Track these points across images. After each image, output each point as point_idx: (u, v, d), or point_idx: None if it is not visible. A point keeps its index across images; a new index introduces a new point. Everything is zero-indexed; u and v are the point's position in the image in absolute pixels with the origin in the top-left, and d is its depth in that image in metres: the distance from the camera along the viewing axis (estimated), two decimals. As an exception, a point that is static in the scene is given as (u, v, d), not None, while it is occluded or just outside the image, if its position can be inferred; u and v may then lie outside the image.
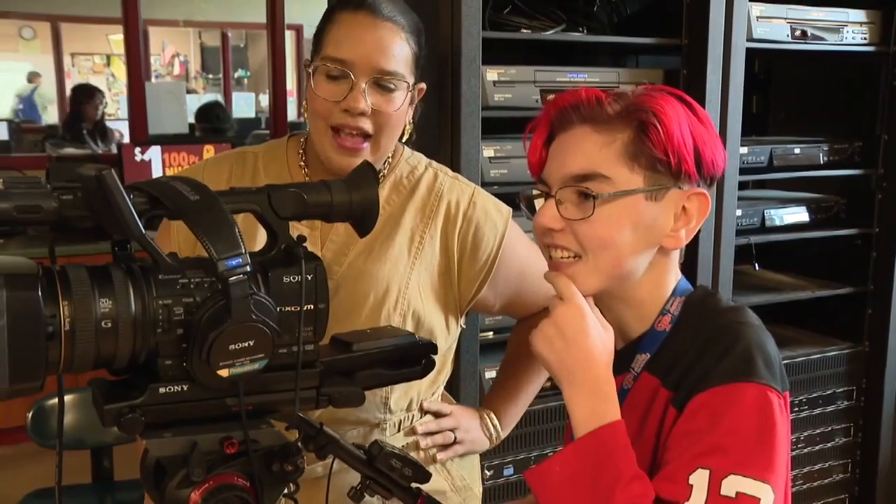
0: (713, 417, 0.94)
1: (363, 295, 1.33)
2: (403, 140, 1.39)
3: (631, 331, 1.09)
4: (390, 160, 1.41)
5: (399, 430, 1.41)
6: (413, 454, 1.38)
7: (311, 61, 1.32)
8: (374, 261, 1.35)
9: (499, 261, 1.41)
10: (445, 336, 1.42)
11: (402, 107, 1.31)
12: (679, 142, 1.00)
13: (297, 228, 1.29)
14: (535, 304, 1.49)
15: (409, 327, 1.35)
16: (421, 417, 1.44)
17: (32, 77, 8.93)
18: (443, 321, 1.40)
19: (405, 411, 1.41)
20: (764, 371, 0.96)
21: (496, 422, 1.52)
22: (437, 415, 1.45)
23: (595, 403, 0.97)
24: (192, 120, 5.74)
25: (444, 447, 1.44)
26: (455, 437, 1.45)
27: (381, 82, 1.28)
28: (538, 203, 1.11)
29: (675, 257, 1.09)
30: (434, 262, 1.39)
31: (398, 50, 1.29)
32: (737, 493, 0.90)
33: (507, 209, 1.47)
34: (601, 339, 1.00)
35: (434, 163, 1.47)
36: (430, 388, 1.44)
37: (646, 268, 1.05)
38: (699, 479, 0.90)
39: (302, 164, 1.39)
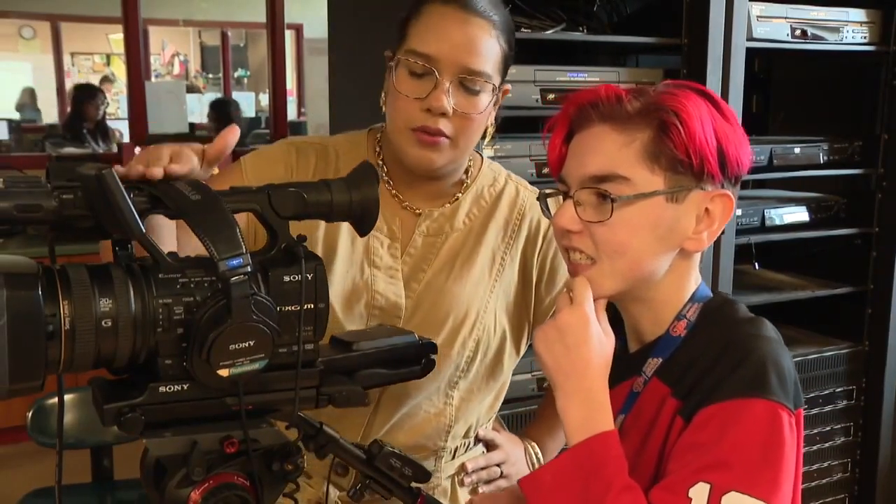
0: (719, 431, 0.91)
1: (443, 316, 1.28)
2: (485, 142, 1.33)
3: (645, 333, 1.06)
4: (472, 170, 1.34)
5: (454, 458, 1.38)
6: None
7: (393, 53, 1.24)
8: (455, 280, 1.29)
9: None
10: (513, 360, 1.38)
11: (486, 109, 1.23)
12: (701, 141, 0.97)
13: (377, 239, 1.27)
14: None
15: (480, 352, 1.32)
16: (474, 445, 1.41)
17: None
18: (513, 346, 1.37)
19: (463, 438, 1.38)
20: (776, 387, 0.93)
21: (539, 453, 1.47)
22: (489, 445, 1.42)
23: (588, 413, 0.96)
24: (204, 114, 5.73)
25: (489, 481, 1.41)
26: (501, 472, 1.41)
27: (467, 83, 1.20)
28: (552, 203, 1.10)
29: (696, 261, 1.06)
30: (512, 284, 1.34)
31: (487, 48, 1.21)
32: None
33: None
34: (601, 348, 0.98)
35: (513, 175, 1.40)
36: (488, 414, 1.41)
37: (666, 270, 1.02)
38: (699, 493, 0.88)
39: (380, 161, 1.32)
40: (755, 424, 0.91)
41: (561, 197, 1.05)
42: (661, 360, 1.03)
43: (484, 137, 1.30)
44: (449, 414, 1.34)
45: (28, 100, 8.65)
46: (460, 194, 1.34)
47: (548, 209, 1.10)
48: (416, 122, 1.20)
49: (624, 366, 1.06)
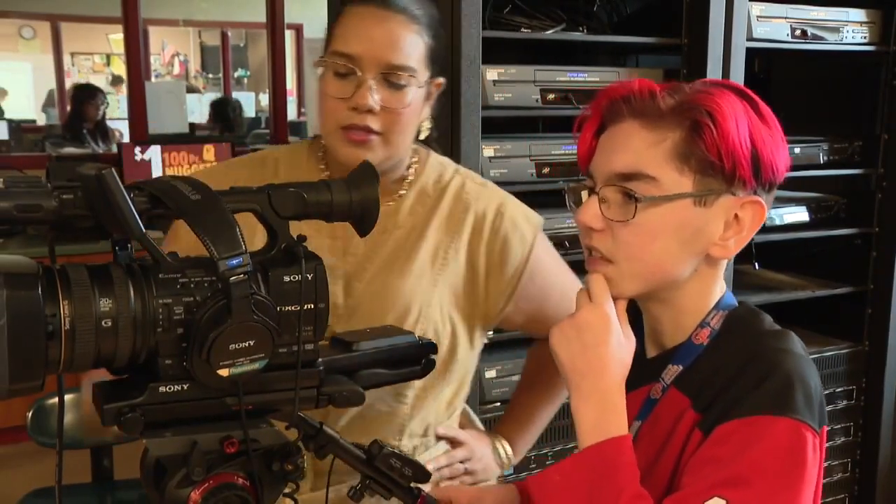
0: (740, 447, 0.88)
1: (384, 313, 1.27)
2: (421, 138, 1.33)
3: (666, 339, 1.03)
4: (416, 166, 1.35)
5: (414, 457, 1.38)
6: None
7: (322, 58, 1.26)
8: (398, 276, 1.29)
9: (524, 274, 1.35)
10: (468, 353, 1.36)
11: (413, 103, 1.24)
12: (735, 143, 0.93)
13: (318, 240, 1.23)
14: (557, 321, 1.46)
15: None
16: (436, 443, 1.39)
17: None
18: (466, 338, 1.35)
19: (421, 437, 1.36)
20: (802, 406, 0.89)
21: (509, 450, 1.46)
22: (451, 442, 1.40)
23: (602, 415, 0.93)
24: (204, 114, 5.72)
25: (452, 478, 1.39)
26: (465, 469, 1.39)
27: (391, 78, 1.21)
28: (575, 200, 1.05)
29: (722, 268, 1.02)
30: (459, 277, 1.33)
31: (409, 43, 1.22)
32: None
33: (537, 219, 1.39)
34: (620, 350, 0.96)
35: (462, 169, 1.40)
36: (447, 410, 1.40)
37: (690, 274, 0.99)
38: None
39: (322, 166, 1.34)
40: (778, 443, 0.88)
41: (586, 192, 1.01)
42: (681, 367, 1.00)
43: (419, 134, 1.31)
44: (403, 413, 1.32)
45: (49, 101, 8.71)
46: (403, 191, 1.34)
47: (573, 203, 1.05)
48: (345, 121, 1.22)
49: (641, 371, 1.03)
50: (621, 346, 0.96)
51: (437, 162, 1.38)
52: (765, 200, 0.97)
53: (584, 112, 1.04)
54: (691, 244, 0.96)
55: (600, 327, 0.95)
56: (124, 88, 9.12)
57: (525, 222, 1.37)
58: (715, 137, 0.92)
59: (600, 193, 0.97)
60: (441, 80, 1.31)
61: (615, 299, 0.98)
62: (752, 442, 0.88)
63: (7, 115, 7.93)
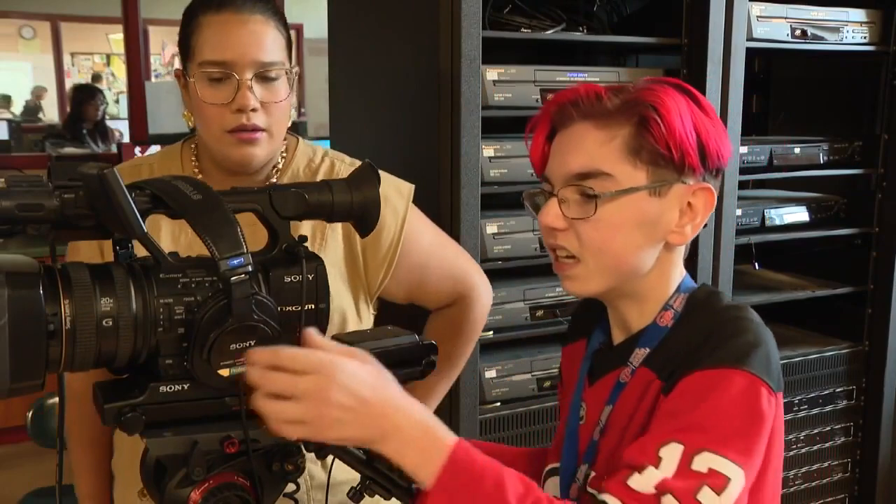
0: (697, 398, 0.92)
1: None
2: (288, 125, 1.39)
3: (632, 325, 1.07)
4: (285, 154, 1.42)
5: None
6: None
7: (183, 70, 1.33)
8: None
9: (400, 246, 1.41)
10: (357, 325, 1.40)
11: (286, 94, 1.32)
12: (681, 135, 0.99)
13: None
14: (440, 292, 1.48)
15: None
16: None
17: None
18: (354, 313, 1.40)
19: None
20: (758, 364, 0.94)
21: None
22: None
23: (425, 443, 0.86)
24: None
25: None
26: None
27: (266, 75, 1.29)
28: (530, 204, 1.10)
29: (680, 253, 1.08)
30: (339, 253, 1.39)
31: (272, 39, 1.31)
32: (708, 469, 0.88)
33: (408, 189, 1.46)
34: (368, 376, 0.85)
35: (331, 151, 1.47)
36: None
37: (653, 264, 1.04)
38: (670, 453, 0.89)
39: (196, 169, 1.39)
40: (733, 393, 0.92)
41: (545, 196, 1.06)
42: (648, 349, 1.04)
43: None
44: None
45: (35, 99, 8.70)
46: (274, 179, 1.40)
47: (532, 208, 1.10)
48: (231, 124, 1.28)
49: (610, 357, 1.08)
50: (364, 372, 0.85)
51: (306, 146, 1.46)
52: (713, 185, 1.03)
53: (533, 119, 1.09)
54: (651, 233, 1.02)
55: (340, 385, 0.82)
56: (114, 86, 9.15)
57: (397, 195, 1.43)
58: (662, 130, 0.98)
59: (559, 194, 1.02)
60: (297, 68, 1.39)
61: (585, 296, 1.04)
62: (709, 391, 0.92)
63: (7, 115, 7.93)
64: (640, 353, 1.04)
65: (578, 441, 1.11)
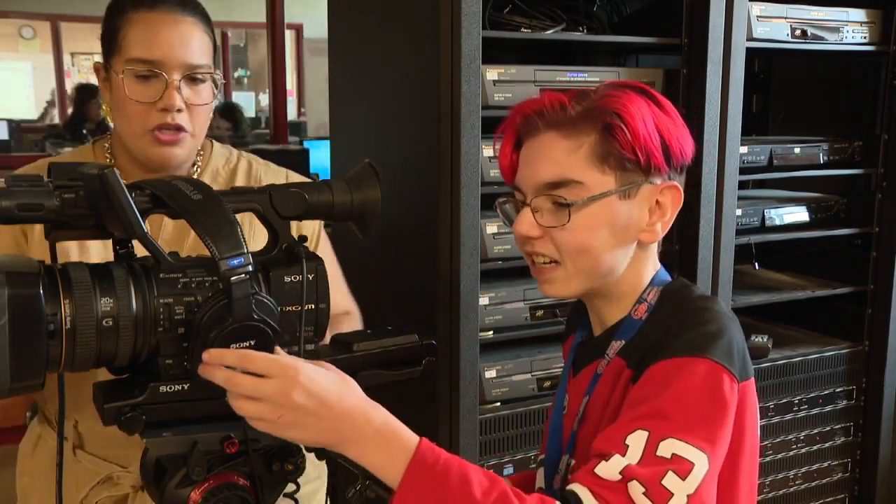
0: (661, 386, 0.95)
1: None
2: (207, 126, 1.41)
3: (610, 319, 1.10)
4: (202, 153, 1.44)
5: None
6: None
7: (106, 64, 1.32)
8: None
9: (320, 241, 1.44)
10: None
11: (211, 98, 1.34)
12: (645, 138, 1.02)
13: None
14: (336, 304, 1.45)
15: None
16: None
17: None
18: None
19: None
20: (720, 353, 0.96)
21: None
22: None
23: (388, 442, 0.87)
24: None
25: None
26: None
27: (194, 76, 1.30)
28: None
29: (654, 249, 1.11)
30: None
31: (201, 42, 1.32)
32: (672, 455, 0.90)
33: None
34: (332, 384, 0.86)
35: (244, 152, 1.50)
36: None
37: (627, 262, 1.07)
38: (636, 440, 0.91)
39: None
40: (696, 380, 0.95)
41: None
42: (623, 341, 1.07)
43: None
44: None
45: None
46: (195, 178, 1.40)
47: (506, 217, 1.13)
48: (153, 122, 1.29)
49: (589, 350, 1.12)
50: (324, 376, 0.86)
51: (221, 146, 1.48)
52: (679, 182, 1.07)
53: (498, 129, 1.12)
54: (624, 234, 1.05)
55: (302, 388, 0.83)
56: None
57: None
58: (627, 136, 1.01)
59: (532, 204, 1.04)
60: (219, 70, 1.40)
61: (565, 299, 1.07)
62: (672, 379, 0.95)
63: (7, 115, 7.93)
64: (616, 345, 1.07)
65: (562, 432, 1.13)
